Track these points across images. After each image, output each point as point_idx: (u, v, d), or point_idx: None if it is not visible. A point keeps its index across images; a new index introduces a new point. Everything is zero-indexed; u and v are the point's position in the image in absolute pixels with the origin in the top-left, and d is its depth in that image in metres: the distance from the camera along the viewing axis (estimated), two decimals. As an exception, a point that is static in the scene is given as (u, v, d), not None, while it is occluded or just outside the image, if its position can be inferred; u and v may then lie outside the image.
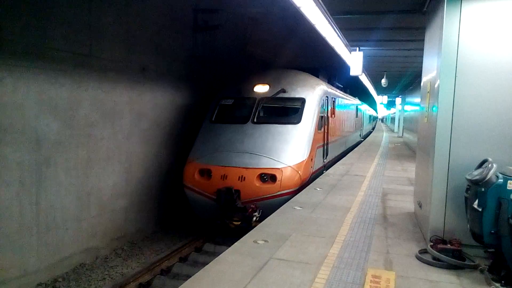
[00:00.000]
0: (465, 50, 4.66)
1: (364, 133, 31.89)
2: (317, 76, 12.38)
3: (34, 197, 6.80)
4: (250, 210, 8.14)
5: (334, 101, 13.20)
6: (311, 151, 9.33)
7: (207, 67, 12.34)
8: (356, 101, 23.10)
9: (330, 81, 15.37)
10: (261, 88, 10.19)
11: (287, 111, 10.05)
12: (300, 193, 8.22)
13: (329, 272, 4.19)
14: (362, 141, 26.52)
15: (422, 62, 6.66)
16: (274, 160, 8.55)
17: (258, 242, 5.08)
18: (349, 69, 12.45)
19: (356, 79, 17.40)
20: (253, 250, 4.78)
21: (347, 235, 5.48)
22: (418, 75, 15.01)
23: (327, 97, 11.72)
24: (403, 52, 12.67)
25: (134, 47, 9.04)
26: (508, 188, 3.87)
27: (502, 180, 3.96)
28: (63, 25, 7.13)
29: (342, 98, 16.15)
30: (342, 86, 18.65)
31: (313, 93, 10.14)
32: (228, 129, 9.54)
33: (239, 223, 8.23)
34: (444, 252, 4.44)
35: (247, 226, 7.45)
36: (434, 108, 5.07)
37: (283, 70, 11.17)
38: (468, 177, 4.29)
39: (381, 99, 41.91)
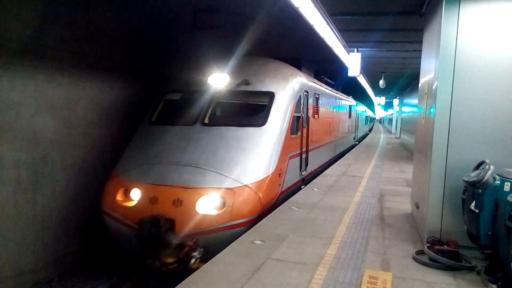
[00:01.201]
0: (463, 52, 4.67)
1: (359, 135, 29.58)
2: (299, 68, 9.82)
3: None
4: (187, 248, 5.72)
5: (318, 98, 10.89)
6: (279, 162, 7.08)
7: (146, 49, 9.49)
8: (349, 100, 20.95)
9: (318, 76, 13.35)
10: (217, 79, 7.88)
11: (249, 109, 7.88)
12: (297, 194, 8.21)
13: (326, 273, 4.18)
14: (356, 144, 24.69)
15: (420, 64, 6.68)
16: (225, 177, 6.22)
17: (255, 242, 5.08)
18: (343, 64, 12.41)
19: (354, 79, 17.41)
20: (250, 251, 4.77)
21: (344, 235, 5.48)
22: (415, 77, 14.94)
23: (307, 92, 9.41)
24: (401, 53, 12.69)
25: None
26: (505, 189, 3.88)
27: (499, 182, 3.97)
28: None
29: (330, 95, 13.97)
30: (333, 83, 16.26)
31: (286, 86, 7.88)
32: (169, 133, 7.28)
33: (174, 265, 5.88)
34: (441, 253, 4.45)
35: (184, 269, 5.55)
36: (431, 110, 5.08)
37: (250, 57, 8.74)
38: (465, 179, 4.30)
39: (378, 100, 41.99)
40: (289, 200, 7.63)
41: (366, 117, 42.00)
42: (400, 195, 8.41)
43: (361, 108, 30.81)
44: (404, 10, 7.26)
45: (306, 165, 9.67)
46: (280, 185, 7.24)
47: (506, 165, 4.27)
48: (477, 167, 4.40)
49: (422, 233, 5.31)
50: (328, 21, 7.84)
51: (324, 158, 12.93)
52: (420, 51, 6.66)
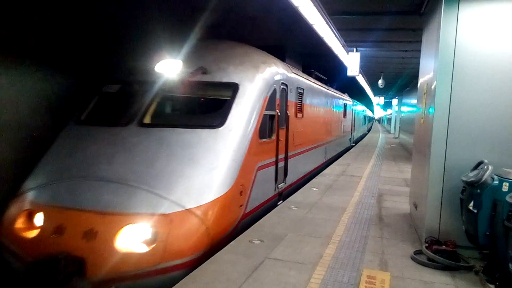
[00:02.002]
0: (462, 52, 4.67)
1: (356, 136, 27.36)
2: (283, 59, 8.45)
3: None
4: None
5: (302, 94, 9.29)
6: (241, 176, 5.45)
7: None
8: (345, 98, 19.13)
9: (308, 70, 11.87)
10: (167, 67, 6.24)
11: (205, 106, 6.34)
12: (296, 193, 8.21)
13: (324, 272, 4.18)
14: (353, 146, 22.98)
15: (419, 64, 6.68)
16: (161, 198, 4.59)
17: (254, 241, 5.08)
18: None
19: (353, 79, 17.40)
20: (249, 250, 4.77)
21: (343, 235, 5.48)
22: (414, 77, 14.94)
23: (286, 85, 7.72)
24: (400, 53, 12.71)
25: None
26: (503, 190, 3.89)
27: (497, 182, 3.98)
28: None
29: (320, 91, 12.13)
30: (326, 79, 14.56)
31: (255, 77, 6.24)
32: (97, 137, 5.65)
33: None
34: (439, 253, 4.45)
35: None
36: (430, 110, 5.08)
37: (213, 41, 7.20)
38: (464, 179, 4.30)
39: (377, 100, 42.00)
40: (288, 199, 7.62)
41: (364, 116, 39.64)
42: (399, 195, 8.42)
43: (358, 107, 28.56)
44: (403, 9, 7.26)
45: (285, 175, 7.98)
46: (242, 206, 5.52)
47: (504, 165, 4.28)
48: (476, 167, 4.40)
49: (420, 233, 5.31)
50: (328, 21, 7.84)
51: (311, 165, 11.24)
52: (419, 51, 6.66)
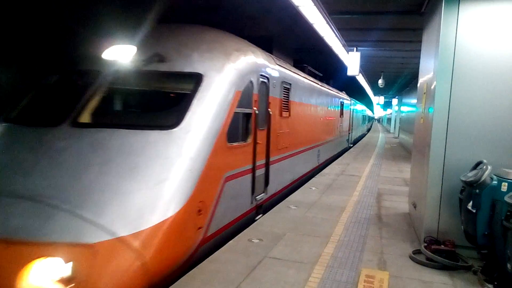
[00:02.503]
0: (462, 52, 4.68)
1: (355, 136, 25.87)
2: (270, 51, 7.65)
3: None
4: None
5: (289, 90, 8.18)
6: (199, 190, 4.33)
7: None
8: (342, 96, 17.79)
9: (300, 64, 10.93)
10: (117, 54, 5.19)
11: (160, 102, 5.28)
12: (295, 193, 8.22)
13: (323, 272, 4.19)
14: (351, 147, 21.63)
15: (419, 64, 6.69)
16: (82, 221, 3.59)
17: (253, 240, 5.08)
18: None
19: (353, 78, 17.39)
20: (248, 249, 4.78)
21: (342, 234, 5.49)
22: (414, 77, 14.94)
23: (267, 78, 6.63)
24: (400, 53, 12.70)
25: None
26: (502, 189, 3.90)
27: (496, 182, 3.99)
28: None
29: (312, 88, 10.84)
30: (321, 75, 13.72)
31: (225, 66, 5.19)
32: (20, 139, 4.60)
33: None
34: (438, 253, 4.46)
35: None
36: (430, 109, 5.09)
37: (178, 25, 5.88)
38: (463, 179, 4.31)
39: (378, 100, 42.00)
40: (287, 199, 7.63)
41: (364, 116, 37.90)
42: (398, 194, 8.43)
43: (357, 106, 27.13)
44: (403, 9, 7.26)
45: (267, 184, 6.86)
46: (201, 228, 4.40)
47: (503, 165, 4.29)
48: (475, 167, 4.41)
49: (419, 233, 5.32)
50: (328, 20, 7.84)
51: (302, 170, 10.05)
52: (420, 50, 6.67)
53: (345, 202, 7.50)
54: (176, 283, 3.84)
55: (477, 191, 4.04)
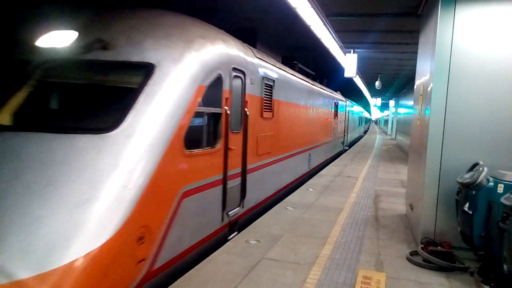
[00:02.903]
0: (458, 54, 4.70)
1: (350, 139, 24.77)
2: (253, 45, 6.94)
3: None
4: None
5: (271, 87, 7.14)
6: (137, 214, 3.35)
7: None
8: (336, 96, 16.70)
9: (289, 61, 10.16)
10: (53, 41, 4.26)
11: (99, 98, 4.25)
12: (292, 194, 8.22)
13: (320, 273, 4.20)
14: (346, 149, 20.86)
15: (415, 65, 6.71)
16: None
17: (250, 242, 5.08)
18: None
19: (350, 80, 17.43)
20: (245, 250, 4.78)
21: (339, 236, 5.50)
22: (411, 78, 15.01)
23: (243, 73, 5.74)
24: (397, 55, 12.75)
25: None
26: (498, 191, 3.92)
27: (492, 184, 4.01)
28: None
29: (300, 85, 9.77)
30: (313, 73, 12.96)
31: (184, 55, 4.26)
32: None
33: None
34: (435, 254, 4.48)
35: None
36: (426, 111, 5.11)
37: (133, 9, 4.80)
38: (459, 180, 4.32)
39: (375, 101, 42.13)
40: (284, 200, 7.64)
41: (360, 117, 36.71)
42: (395, 196, 8.45)
43: (353, 107, 25.77)
44: (400, 11, 7.29)
45: (243, 196, 5.88)
46: (143, 261, 3.43)
47: (499, 167, 4.31)
48: (471, 168, 4.43)
49: (416, 234, 5.33)
50: (325, 22, 7.86)
51: (289, 176, 9.05)
52: (416, 52, 6.70)
53: (343, 203, 7.51)
54: (172, 284, 3.83)
55: (474, 192, 4.05)
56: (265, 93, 6.86)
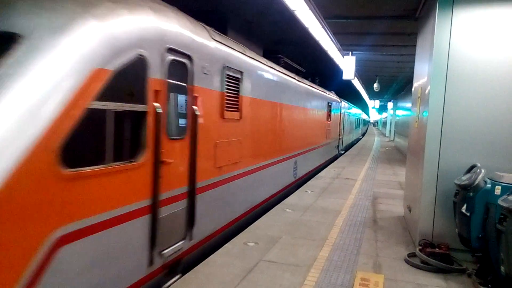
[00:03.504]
0: (455, 57, 4.73)
1: (346, 142, 23.07)
2: (223, 32, 5.73)
3: None
4: None
5: (238, 80, 5.76)
6: None
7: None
8: (329, 96, 15.16)
9: (273, 55, 8.91)
10: None
11: None
12: (291, 196, 8.23)
13: (318, 275, 4.20)
14: (341, 154, 19.51)
15: (413, 68, 6.73)
16: None
17: (248, 244, 5.08)
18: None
19: (348, 82, 17.44)
20: (243, 252, 4.78)
21: (337, 238, 5.50)
22: (409, 81, 14.99)
23: (190, 58, 4.36)
24: (395, 57, 12.78)
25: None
26: (495, 193, 3.93)
27: (490, 186, 4.02)
28: None
29: (280, 81, 8.13)
30: (303, 70, 11.75)
31: (74, 23, 2.89)
32: None
33: None
34: (433, 256, 4.49)
35: None
36: (424, 113, 5.13)
37: None
38: (457, 182, 4.34)
39: (373, 104, 42.21)
40: (283, 202, 7.64)
41: (358, 119, 34.68)
42: (393, 198, 8.46)
43: (349, 108, 23.84)
44: (398, 14, 7.32)
45: (191, 225, 4.45)
46: None
47: (497, 169, 4.33)
48: (469, 170, 4.45)
49: (414, 236, 5.34)
50: (323, 24, 7.89)
51: (266, 191, 7.48)
52: (414, 55, 6.72)
53: (341, 205, 7.52)
54: (171, 286, 3.83)
55: (471, 194, 4.07)
56: (229, 87, 5.42)
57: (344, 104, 20.45)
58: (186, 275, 4.07)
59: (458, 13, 4.69)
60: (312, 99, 11.73)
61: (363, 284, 4.00)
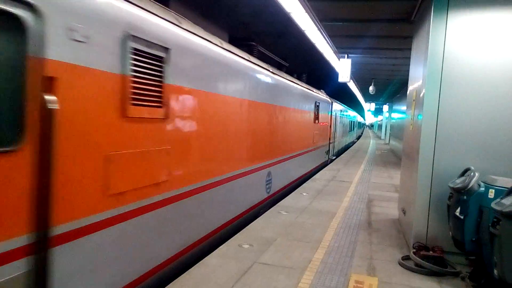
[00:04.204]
0: (450, 60, 4.75)
1: (339, 147, 21.22)
2: (166, 4, 4.59)
3: None
4: None
5: (160, 59, 3.90)
6: None
7: None
8: (318, 94, 13.30)
9: (246, 41, 7.65)
10: None
11: None
12: (286, 198, 8.23)
13: (312, 277, 4.19)
14: (333, 160, 17.70)
15: (408, 71, 6.76)
16: None
17: (243, 246, 5.07)
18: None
19: (344, 85, 17.48)
20: (238, 254, 4.77)
21: (332, 240, 5.50)
22: (404, 84, 15.09)
23: (32, 7, 2.49)
24: (390, 60, 12.85)
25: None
26: (489, 196, 3.95)
27: (483, 189, 4.04)
28: None
29: (244, 69, 6.35)
30: (286, 65, 10.16)
31: None
32: None
33: None
34: (427, 259, 4.50)
35: None
36: (419, 116, 5.15)
37: None
38: (451, 185, 4.36)
39: (369, 106, 42.36)
40: (278, 204, 7.63)
41: (352, 122, 32.22)
42: (388, 200, 8.48)
43: (341, 109, 21.46)
44: (394, 17, 7.36)
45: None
46: None
47: (490, 172, 4.35)
48: (463, 174, 4.47)
49: (408, 239, 5.36)
50: (319, 27, 7.91)
51: (217, 217, 5.49)
52: (409, 58, 6.75)
53: (336, 207, 7.53)
54: (166, 287, 3.80)
55: (465, 197, 4.08)
56: (141, 70, 3.62)
57: (336, 105, 18.57)
58: (180, 276, 4.05)
59: (453, 17, 4.72)
60: (294, 97, 9.71)
61: (357, 287, 4.00)
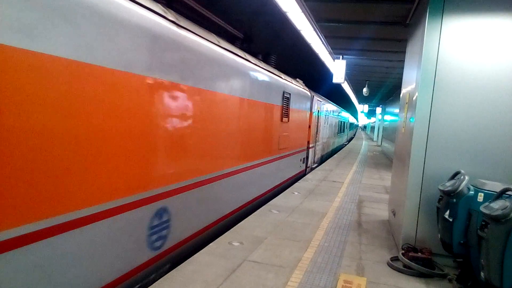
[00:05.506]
0: (443, 64, 4.79)
1: (325, 151, 18.26)
2: None
3: None
4: None
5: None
6: None
7: None
8: (290, 83, 9.87)
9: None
10: None
11: None
12: (277, 197, 8.24)
13: (302, 276, 4.21)
14: (313, 168, 14.58)
15: (402, 74, 6.80)
16: None
17: (233, 243, 5.07)
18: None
19: (338, 86, 17.52)
20: (227, 252, 4.77)
21: (322, 240, 5.53)
22: (398, 86, 15.14)
23: None
24: (384, 62, 12.90)
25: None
26: (478, 200, 3.99)
27: (473, 192, 4.08)
28: None
29: (158, 36, 3.76)
30: (241, 36, 7.23)
31: None
32: None
33: None
34: (415, 260, 4.54)
35: None
36: (411, 119, 5.18)
37: None
38: (441, 188, 4.40)
39: (362, 108, 42.54)
40: (269, 203, 7.64)
41: (343, 122, 28.40)
42: (379, 201, 8.53)
43: (329, 107, 18.44)
44: (389, 20, 7.39)
45: None
46: None
47: (480, 176, 4.40)
48: (453, 177, 4.51)
49: (397, 240, 5.40)
50: (315, 27, 7.92)
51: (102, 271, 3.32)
52: (403, 61, 6.79)
53: (327, 207, 7.56)
54: (153, 284, 3.80)
55: (454, 200, 4.13)
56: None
57: (319, 100, 14.69)
58: (169, 273, 4.05)
59: (447, 21, 4.76)
60: (243, 80, 6.51)
61: (346, 287, 4.03)
